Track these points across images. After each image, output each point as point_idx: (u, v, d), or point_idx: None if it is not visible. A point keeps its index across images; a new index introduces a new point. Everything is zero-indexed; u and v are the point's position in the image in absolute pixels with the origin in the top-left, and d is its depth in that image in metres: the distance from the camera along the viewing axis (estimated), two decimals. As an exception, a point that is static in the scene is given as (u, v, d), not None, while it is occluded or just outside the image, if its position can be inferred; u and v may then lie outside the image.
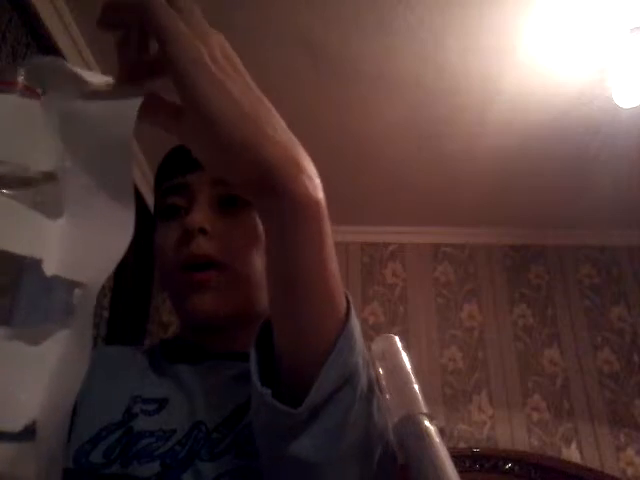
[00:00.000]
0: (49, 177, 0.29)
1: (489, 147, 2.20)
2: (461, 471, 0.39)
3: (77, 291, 0.27)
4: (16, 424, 0.25)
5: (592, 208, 2.49)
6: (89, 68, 1.76)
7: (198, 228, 0.58)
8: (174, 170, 0.64)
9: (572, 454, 2.31)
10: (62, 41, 1.67)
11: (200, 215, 0.59)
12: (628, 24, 1.68)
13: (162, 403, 0.57)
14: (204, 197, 0.61)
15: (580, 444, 2.33)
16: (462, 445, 2.30)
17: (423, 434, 0.46)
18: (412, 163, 2.30)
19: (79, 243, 0.28)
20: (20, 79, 0.31)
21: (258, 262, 0.61)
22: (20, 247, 0.27)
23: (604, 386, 2.45)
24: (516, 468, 2.20)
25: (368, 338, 0.41)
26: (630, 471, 2.27)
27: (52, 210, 0.28)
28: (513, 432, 2.36)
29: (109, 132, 0.30)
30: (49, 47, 1.62)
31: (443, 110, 2.04)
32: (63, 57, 1.65)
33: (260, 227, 0.61)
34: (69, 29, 1.68)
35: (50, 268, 0.27)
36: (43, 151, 0.29)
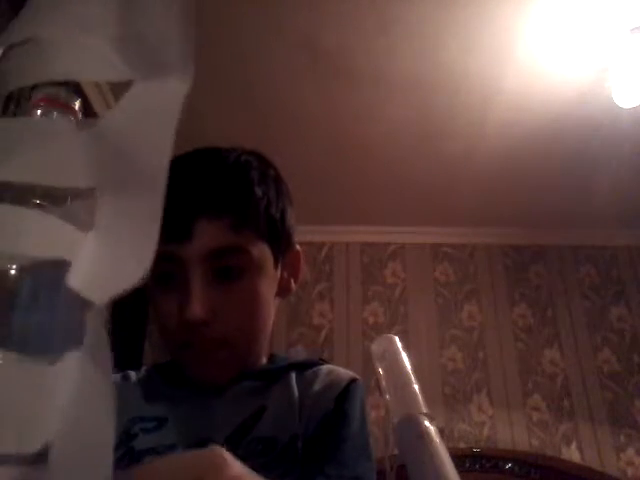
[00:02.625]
0: (81, 194, 0.29)
1: (489, 147, 2.20)
2: (461, 471, 0.39)
3: (90, 311, 0.27)
4: (27, 447, 0.24)
5: (592, 208, 2.49)
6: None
7: (199, 321, 0.56)
8: (167, 235, 0.62)
9: (572, 454, 2.31)
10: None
11: (199, 305, 0.56)
12: (628, 24, 1.68)
13: (162, 421, 0.57)
14: (199, 271, 0.58)
15: (580, 444, 2.33)
16: (462, 445, 2.30)
17: (423, 434, 0.46)
18: (412, 163, 2.30)
19: (99, 263, 0.28)
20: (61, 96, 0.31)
21: (264, 316, 0.63)
22: (51, 254, 0.27)
23: (604, 386, 2.44)
24: (516, 468, 2.20)
25: (368, 338, 0.41)
26: (630, 471, 2.27)
27: (82, 226, 0.28)
28: (513, 432, 2.36)
29: (144, 156, 0.29)
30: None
31: (443, 110, 2.04)
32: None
33: (261, 283, 0.61)
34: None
35: (75, 281, 0.27)
36: (76, 168, 0.29)
